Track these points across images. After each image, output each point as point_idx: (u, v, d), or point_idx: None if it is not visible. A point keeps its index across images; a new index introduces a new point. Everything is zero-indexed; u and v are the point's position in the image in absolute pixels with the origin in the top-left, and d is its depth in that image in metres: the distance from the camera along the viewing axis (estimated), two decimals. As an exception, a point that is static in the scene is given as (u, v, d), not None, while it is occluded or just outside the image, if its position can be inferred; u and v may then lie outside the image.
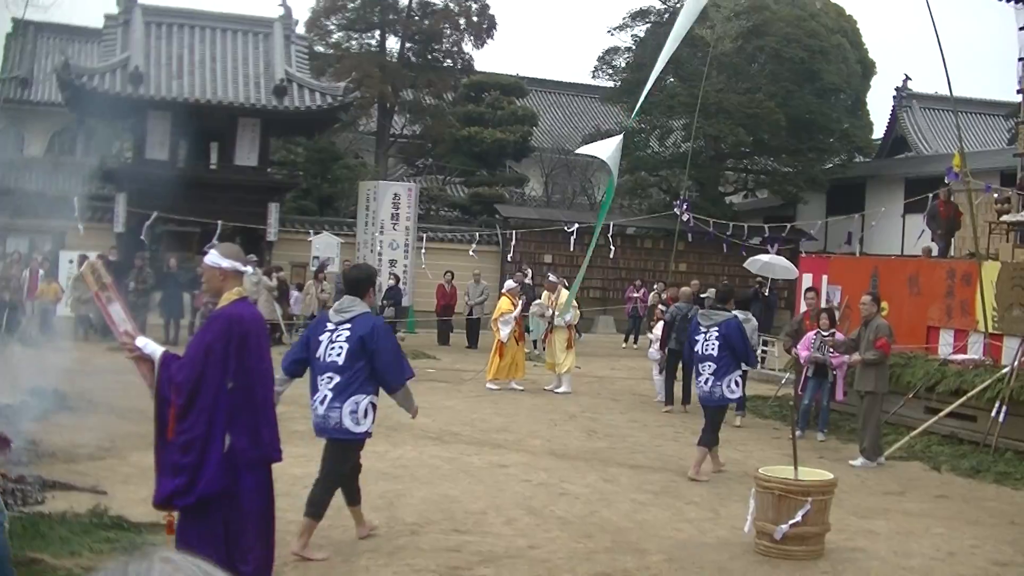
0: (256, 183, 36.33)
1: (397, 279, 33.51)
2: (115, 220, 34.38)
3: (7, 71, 50.50)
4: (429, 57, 48.78)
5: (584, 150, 21.53)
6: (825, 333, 17.61)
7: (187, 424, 7.16)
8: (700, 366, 14.54)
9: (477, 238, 38.36)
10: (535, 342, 27.19)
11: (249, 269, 7.60)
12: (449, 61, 49.56)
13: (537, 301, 23.71)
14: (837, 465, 14.80)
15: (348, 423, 9.66)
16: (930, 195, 27.13)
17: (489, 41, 49.02)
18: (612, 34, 51.47)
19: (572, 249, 38.32)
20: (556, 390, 22.37)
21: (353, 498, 10.48)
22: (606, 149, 14.70)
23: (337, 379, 9.64)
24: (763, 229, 37.14)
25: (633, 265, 40.45)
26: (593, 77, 49.48)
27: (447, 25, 48.03)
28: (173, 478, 7.19)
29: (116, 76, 34.66)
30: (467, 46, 49.35)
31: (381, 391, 9.83)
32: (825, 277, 23.44)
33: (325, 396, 9.71)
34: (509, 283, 24.07)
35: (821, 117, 42.21)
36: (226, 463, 7.25)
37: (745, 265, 26.34)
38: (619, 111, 50.82)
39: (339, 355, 9.64)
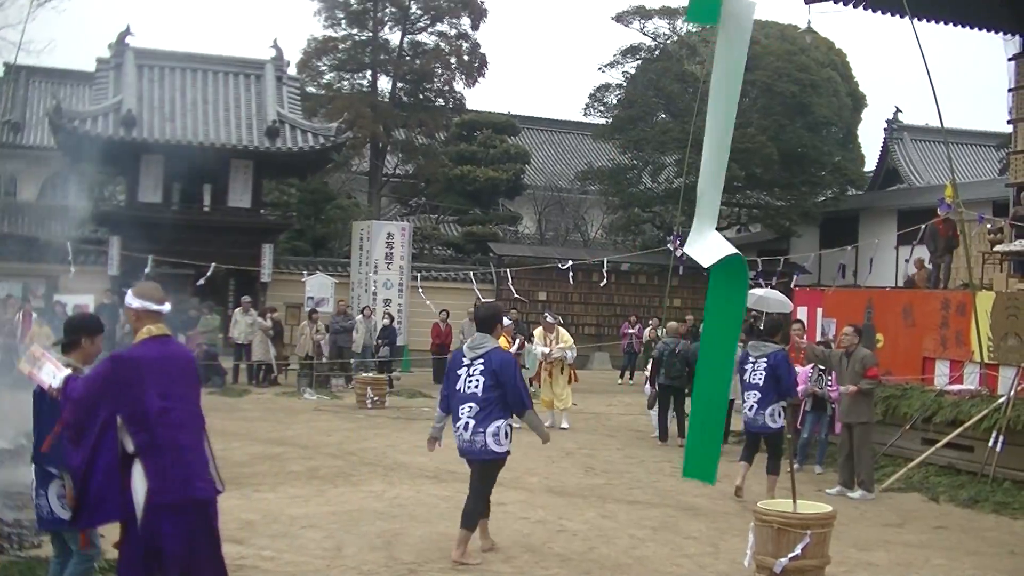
0: (250, 224, 36.41)
1: (392, 318, 33.48)
2: (109, 263, 34.39)
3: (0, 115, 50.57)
4: (421, 96, 48.88)
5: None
6: (822, 367, 17.59)
7: (75, 454, 7.22)
8: (746, 394, 15.03)
9: (472, 277, 38.36)
10: (530, 380, 27.13)
11: (165, 308, 7.51)
12: (441, 100, 49.67)
13: (535, 343, 23.64)
14: (835, 498, 14.76)
15: (492, 445, 10.99)
16: (923, 226, 27.13)
17: (480, 80, 49.21)
18: (603, 71, 51.49)
19: (567, 286, 38.33)
20: (560, 426, 22.36)
21: (485, 512, 11.58)
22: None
23: (477, 408, 10.97)
24: (757, 263, 37.14)
25: (628, 301, 40.49)
26: (585, 114, 49.61)
27: (438, 64, 48.15)
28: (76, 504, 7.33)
29: (108, 119, 34.77)
30: (458, 85, 49.49)
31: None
32: (820, 310, 23.44)
33: (468, 423, 11.02)
34: (506, 320, 24.05)
35: (813, 150, 42.36)
36: (101, 501, 7.21)
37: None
38: (611, 148, 50.93)
39: (477, 387, 11.02)
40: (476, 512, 11.13)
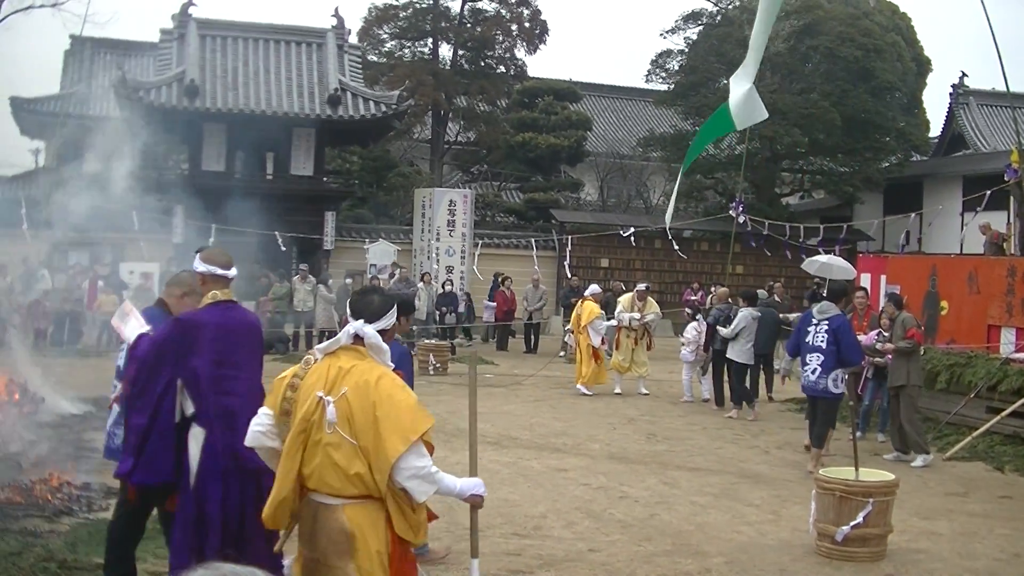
0: (312, 192, 36.53)
1: (453, 285, 33.59)
2: (173, 231, 34.63)
3: (66, 87, 50.98)
4: (482, 64, 48.84)
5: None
6: (887, 333, 17.49)
7: (137, 412, 7.31)
8: (807, 356, 14.96)
9: (534, 243, 38.35)
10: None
11: (231, 273, 7.49)
12: (502, 67, 49.62)
13: (620, 310, 23.69)
14: (898, 466, 14.70)
15: (831, 387, 14.52)
16: (987, 192, 26.86)
17: (541, 47, 49.16)
18: (664, 37, 51.32)
19: (629, 252, 38.27)
20: (640, 391, 22.76)
21: (819, 444, 14.91)
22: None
23: (821, 358, 14.45)
24: (819, 230, 36.90)
25: (690, 268, 40.29)
26: (646, 80, 49.36)
27: (499, 32, 48.09)
28: (127, 458, 7.44)
29: (172, 89, 34.97)
30: (519, 52, 49.44)
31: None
32: (884, 277, 23.28)
33: (815, 369, 14.56)
34: (594, 288, 24.12)
35: (876, 116, 41.89)
36: (159, 460, 7.30)
37: (803, 266, 26.14)
38: (673, 114, 50.65)
39: (822, 341, 14.48)
40: (824, 435, 14.92)
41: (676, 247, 38.68)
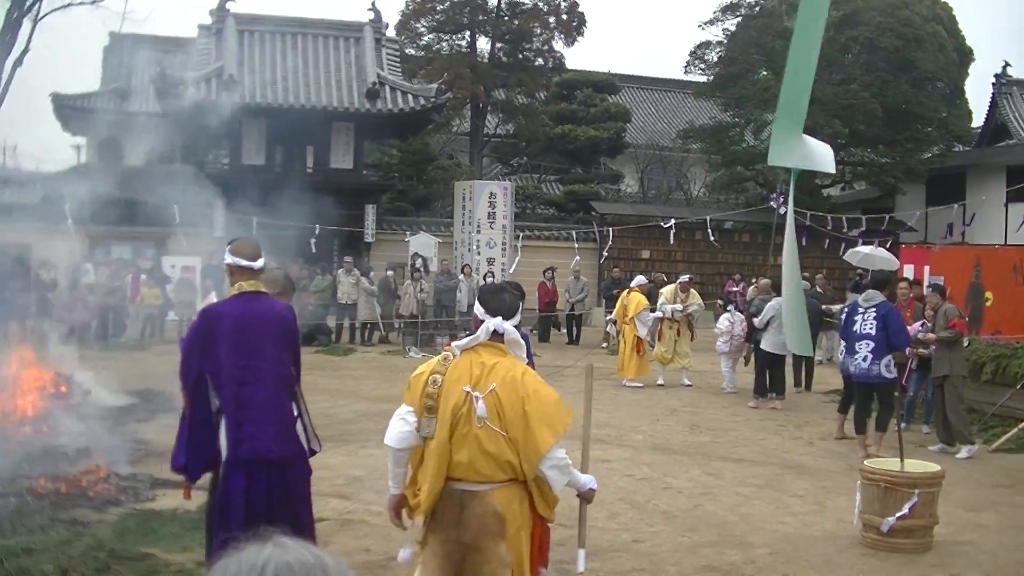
0: (352, 185, 36.64)
1: (494, 277, 33.62)
2: (215, 225, 34.78)
3: (106, 83, 51.27)
4: (520, 56, 48.80)
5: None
6: (930, 324, 17.41)
7: (184, 406, 7.40)
8: (856, 344, 15.05)
9: (574, 236, 38.32)
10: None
11: (257, 264, 7.51)
12: (540, 60, 49.56)
13: (662, 301, 23.68)
14: (943, 457, 14.62)
15: (884, 372, 14.76)
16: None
17: (579, 39, 49.01)
18: (703, 28, 51.05)
19: (669, 244, 38.21)
20: (683, 383, 22.79)
21: (861, 430, 15.30)
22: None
23: (872, 344, 14.70)
24: (861, 221, 36.71)
25: (731, 259, 40.21)
26: (685, 72, 49.17)
27: (537, 24, 48.03)
28: (180, 452, 7.47)
29: (211, 84, 35.17)
30: (557, 44, 49.39)
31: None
32: (927, 268, 23.18)
33: (866, 356, 14.79)
34: (640, 279, 24.12)
35: (918, 106, 41.63)
36: (201, 456, 7.38)
37: (845, 257, 26.07)
38: (712, 105, 50.49)
39: (871, 328, 14.72)
40: (886, 421, 15.21)
41: (716, 239, 38.61)
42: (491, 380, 6.12)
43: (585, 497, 6.68)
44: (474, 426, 6.06)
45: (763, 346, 20.03)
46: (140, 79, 50.40)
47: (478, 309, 6.45)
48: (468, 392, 6.10)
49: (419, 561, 6.50)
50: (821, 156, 7.48)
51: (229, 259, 7.51)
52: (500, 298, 6.48)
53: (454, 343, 6.48)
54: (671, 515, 11.41)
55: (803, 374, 22.48)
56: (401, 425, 6.33)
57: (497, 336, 6.33)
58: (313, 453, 7.72)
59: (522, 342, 6.58)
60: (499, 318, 6.31)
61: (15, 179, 42.79)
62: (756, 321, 20.28)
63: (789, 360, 21.18)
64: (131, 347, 27.69)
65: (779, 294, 20.18)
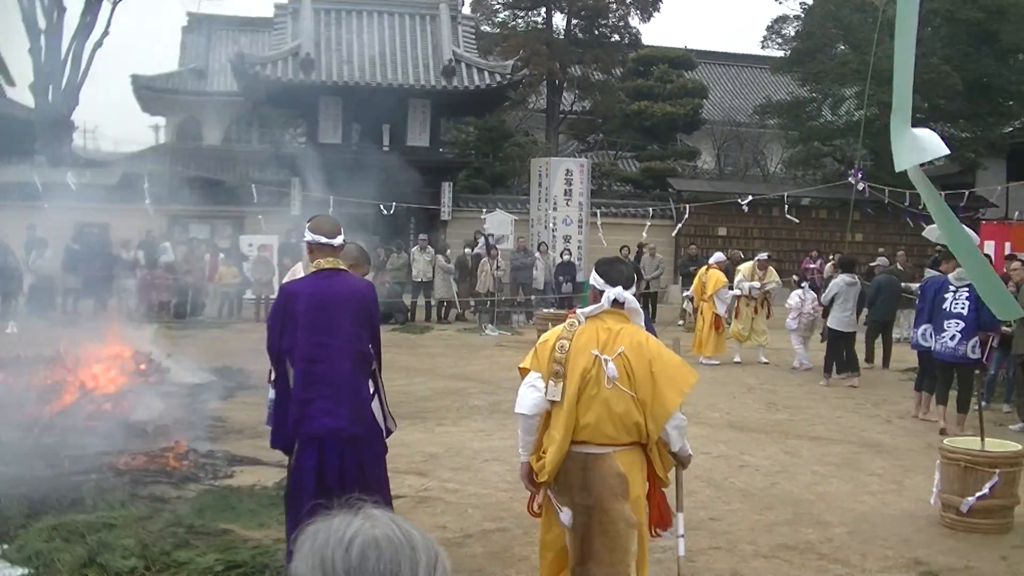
0: (428, 163, 36.67)
1: (571, 254, 33.62)
2: (292, 204, 35.02)
3: (185, 64, 51.72)
4: (596, 33, 48.71)
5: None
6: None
7: (271, 383, 7.56)
8: (945, 323, 14.90)
9: (650, 212, 38.21)
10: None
11: (337, 241, 7.54)
12: (616, 36, 49.45)
13: (740, 278, 23.60)
14: (1022, 436, 14.47)
15: (970, 353, 14.49)
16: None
17: (655, 14, 48.92)
18: (780, 2, 51.07)
19: (746, 221, 37.99)
20: (760, 360, 22.78)
21: (943, 400, 15.29)
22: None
23: (962, 324, 14.48)
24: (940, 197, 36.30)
25: (808, 236, 39.86)
26: (762, 47, 48.91)
27: (612, 0, 47.87)
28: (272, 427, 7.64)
29: (288, 64, 35.33)
30: (633, 20, 49.28)
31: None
32: (1008, 244, 22.89)
33: (954, 335, 14.55)
34: (719, 255, 24.04)
35: (1000, 80, 41.00)
36: (280, 431, 7.50)
37: (923, 234, 25.73)
38: (789, 81, 50.11)
39: (962, 308, 14.55)
40: (967, 400, 14.87)
41: (793, 215, 38.35)
42: (618, 344, 6.47)
43: (683, 462, 6.96)
44: (603, 388, 6.39)
45: (829, 323, 19.97)
46: (218, 59, 50.86)
47: (596, 280, 6.74)
48: (597, 355, 6.43)
49: (543, 522, 6.89)
50: (931, 144, 7.30)
51: (309, 236, 7.55)
52: (618, 269, 6.83)
53: (579, 311, 6.80)
54: (748, 493, 11.38)
55: (879, 350, 22.35)
56: (532, 392, 6.59)
57: (618, 304, 6.67)
58: (389, 432, 7.75)
59: (640, 310, 6.92)
60: (619, 287, 6.65)
61: (95, 160, 43.36)
62: (821, 298, 20.22)
63: (861, 337, 21.13)
64: (209, 325, 27.95)
65: (844, 271, 20.10)
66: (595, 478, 6.46)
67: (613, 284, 6.68)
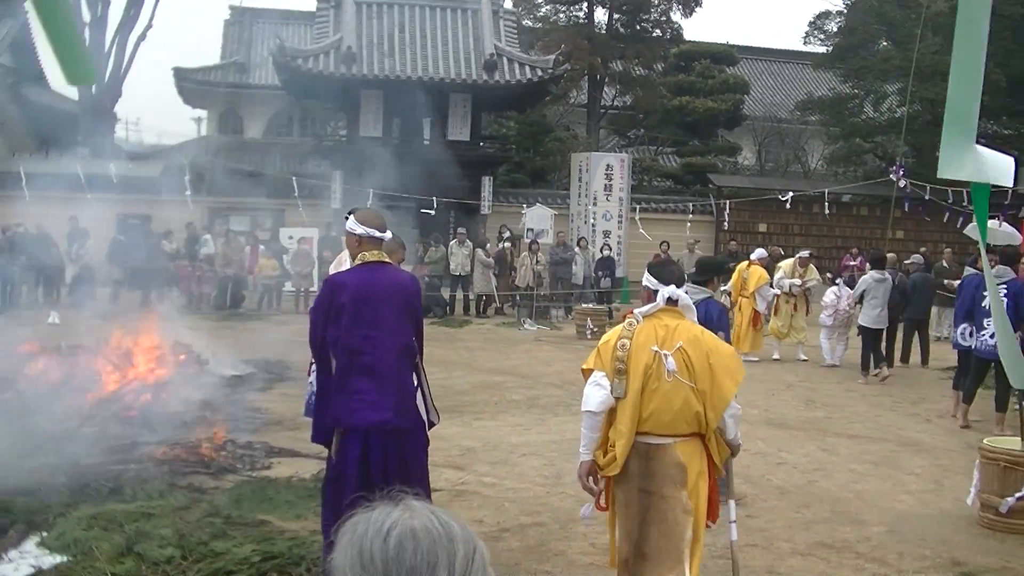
0: (469, 157, 36.69)
1: (611, 249, 33.59)
2: (332, 197, 35.11)
3: (226, 57, 51.98)
4: (637, 28, 48.60)
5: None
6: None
7: (314, 372, 7.54)
8: (984, 321, 14.77)
9: (691, 208, 38.13)
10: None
11: (387, 235, 7.56)
12: (658, 31, 49.34)
13: (779, 275, 23.55)
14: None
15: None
16: None
17: (697, 9, 48.74)
18: (823, -2, 50.52)
19: (787, 217, 37.87)
20: (799, 358, 22.80)
21: (968, 399, 15.28)
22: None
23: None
24: (985, 195, 36.04)
25: (848, 233, 39.67)
26: (804, 43, 48.70)
27: (654, -5, 47.86)
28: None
29: (330, 57, 35.43)
30: (675, 15, 49.15)
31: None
32: (1051, 243, 22.69)
33: (993, 333, 13.45)
34: (760, 252, 23.90)
35: (1043, 77, 40.77)
36: (321, 423, 7.50)
37: (965, 232, 25.70)
38: (831, 77, 49.94)
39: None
40: (1006, 399, 14.58)
41: (834, 212, 38.17)
42: (676, 339, 6.83)
43: (734, 450, 7.29)
44: (663, 382, 6.74)
45: (860, 321, 19.96)
46: (259, 52, 51.08)
47: (650, 281, 7.13)
48: (656, 351, 6.79)
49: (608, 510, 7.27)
50: (997, 168, 7.13)
51: (359, 229, 7.49)
52: (669, 269, 7.25)
53: (636, 310, 7.16)
54: (785, 490, 11.35)
55: (916, 349, 22.32)
56: (598, 391, 6.92)
57: (671, 302, 7.02)
58: (431, 425, 7.76)
59: (693, 307, 7.35)
60: (672, 286, 7.02)
61: (137, 152, 43.59)
62: (851, 294, 20.25)
63: (898, 333, 21.23)
64: (248, 317, 28.06)
65: (874, 268, 20.08)
66: (656, 467, 6.82)
67: (666, 283, 7.03)
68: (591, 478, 7.05)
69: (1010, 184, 7.15)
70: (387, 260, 7.60)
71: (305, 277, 30.37)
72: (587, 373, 7.10)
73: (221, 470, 11.16)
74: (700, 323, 8.15)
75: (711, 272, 11.41)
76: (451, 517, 2.26)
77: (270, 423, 13.94)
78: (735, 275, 23.26)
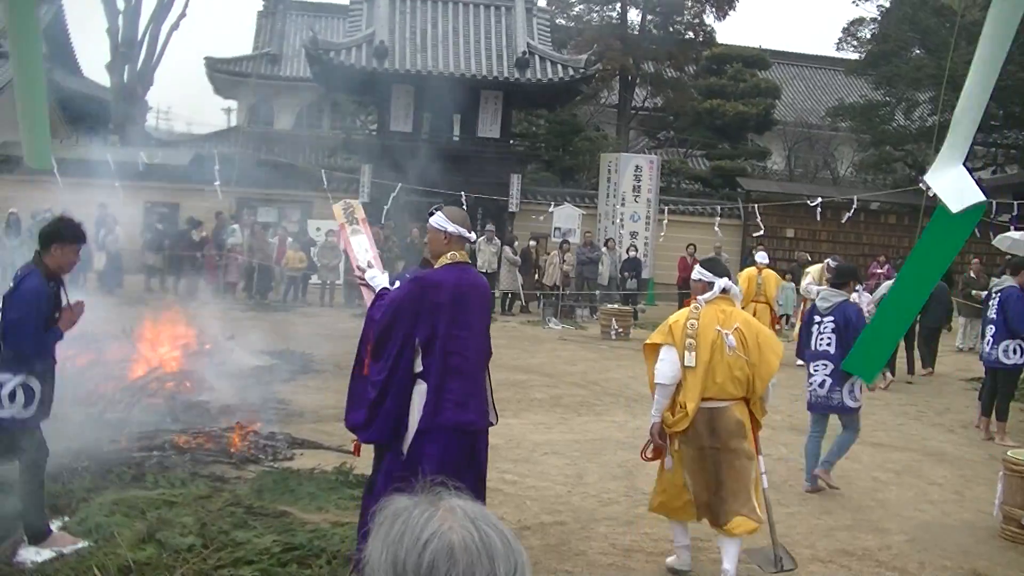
0: (498, 154, 36.71)
1: (637, 250, 33.55)
2: (360, 191, 35.16)
3: (259, 48, 52.09)
4: (670, 29, 48.58)
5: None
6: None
7: (377, 368, 7.34)
8: (986, 329, 15.16)
9: (719, 211, 38.09)
10: (786, 316, 27.03)
11: (473, 236, 7.60)
12: (690, 33, 49.32)
13: (806, 281, 23.48)
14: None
15: (1002, 358, 14.59)
16: None
17: (731, 13, 48.76)
18: (857, 4, 50.64)
19: (815, 223, 37.79)
20: None
21: (1001, 416, 15.10)
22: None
23: (994, 329, 14.61)
24: (1013, 206, 35.92)
25: (876, 241, 39.58)
26: (837, 49, 48.71)
27: (688, -3, 47.84)
28: (360, 410, 7.45)
29: (362, 51, 35.44)
30: (708, 18, 49.13)
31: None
32: (1080, 255, 22.59)
33: (989, 341, 14.64)
34: (763, 255, 23.79)
35: (1075, 88, 40.55)
36: (394, 420, 7.35)
37: (994, 243, 25.60)
38: (863, 84, 49.81)
39: (994, 314, 14.56)
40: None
41: (862, 219, 38.05)
42: (733, 321, 8.41)
43: (765, 411, 8.84)
44: (724, 355, 8.26)
45: None
46: (292, 44, 51.17)
47: (704, 274, 8.62)
48: (719, 331, 8.31)
49: (662, 465, 8.74)
50: (958, 195, 7.03)
51: (451, 227, 7.42)
52: (720, 265, 8.83)
53: (699, 297, 8.56)
54: (806, 497, 11.34)
55: (926, 358, 22.29)
56: (668, 366, 8.37)
57: (724, 292, 8.57)
58: (491, 425, 7.77)
59: (740, 296, 8.99)
60: (726, 278, 8.61)
61: (167, 140, 43.74)
62: (871, 300, 20.32)
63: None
64: (274, 308, 28.13)
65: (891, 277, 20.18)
66: (721, 426, 8.31)
67: (720, 276, 8.61)
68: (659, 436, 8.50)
69: (954, 211, 7.07)
70: (469, 261, 7.64)
71: (332, 270, 30.42)
72: (652, 348, 8.59)
73: (243, 460, 11.20)
74: (840, 323, 11.47)
75: (848, 276, 12.49)
76: (494, 526, 2.16)
77: (293, 414, 13.98)
78: (745, 282, 23.08)
